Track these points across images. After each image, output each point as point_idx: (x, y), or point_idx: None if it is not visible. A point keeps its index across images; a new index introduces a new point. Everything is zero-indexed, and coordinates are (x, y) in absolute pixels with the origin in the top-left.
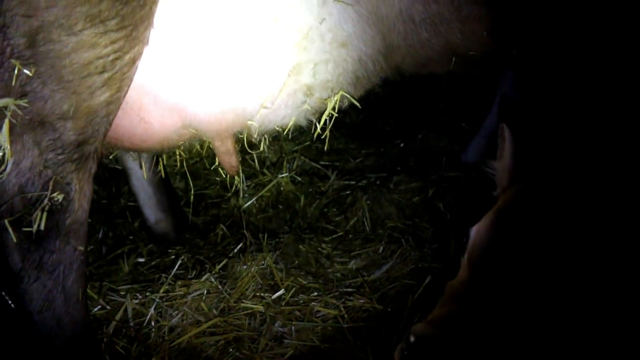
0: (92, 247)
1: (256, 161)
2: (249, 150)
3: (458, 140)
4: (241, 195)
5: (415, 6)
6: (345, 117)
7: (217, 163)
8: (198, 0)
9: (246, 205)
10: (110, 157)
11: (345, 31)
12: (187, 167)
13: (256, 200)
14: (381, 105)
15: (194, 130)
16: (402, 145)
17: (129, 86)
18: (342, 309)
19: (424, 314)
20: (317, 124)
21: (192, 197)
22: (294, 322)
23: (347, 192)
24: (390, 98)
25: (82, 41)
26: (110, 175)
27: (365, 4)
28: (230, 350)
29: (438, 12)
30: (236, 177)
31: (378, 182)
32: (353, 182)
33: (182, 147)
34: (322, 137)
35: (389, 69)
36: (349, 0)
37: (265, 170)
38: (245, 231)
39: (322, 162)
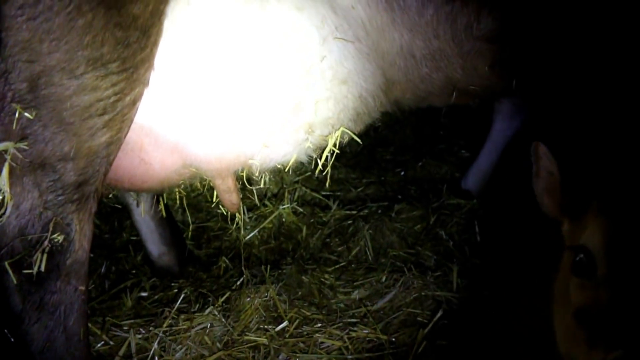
0: (94, 282)
1: (255, 193)
2: (249, 186)
3: (458, 167)
4: (243, 227)
5: (416, 42)
6: (346, 147)
7: (217, 200)
8: (198, 42)
9: (248, 237)
10: (110, 195)
11: (345, 68)
12: (189, 201)
13: (258, 232)
14: (381, 135)
15: (194, 170)
16: (402, 173)
17: (129, 127)
18: (346, 339)
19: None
20: (319, 160)
21: (189, 232)
22: (298, 354)
23: (349, 222)
24: (390, 127)
25: (83, 84)
26: (112, 210)
27: (365, 40)
28: None
29: (439, 48)
30: (237, 213)
31: (379, 211)
32: (354, 212)
33: (182, 184)
34: (324, 173)
35: (388, 104)
36: (350, 37)
37: (266, 202)
38: (247, 263)
39: (323, 192)
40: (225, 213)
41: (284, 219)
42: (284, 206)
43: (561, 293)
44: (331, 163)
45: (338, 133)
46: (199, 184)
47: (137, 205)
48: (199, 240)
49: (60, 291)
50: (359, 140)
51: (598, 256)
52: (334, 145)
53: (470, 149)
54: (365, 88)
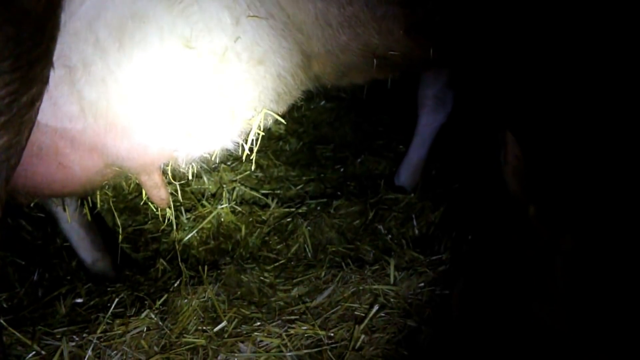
0: (26, 290)
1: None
2: (173, 181)
3: (396, 163)
4: (177, 226)
5: (331, 10)
6: (286, 145)
7: (147, 197)
8: (102, 34)
9: (186, 238)
10: (31, 205)
11: (261, 47)
12: (125, 203)
13: (197, 232)
14: (321, 132)
15: (117, 168)
16: (342, 170)
17: (30, 129)
18: (285, 337)
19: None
20: (245, 145)
21: (121, 235)
22: (236, 354)
23: (288, 220)
24: (330, 124)
25: None
26: (45, 215)
27: (279, 16)
28: None
29: (354, 14)
30: (168, 210)
31: (318, 208)
32: (293, 209)
33: (107, 186)
34: (251, 158)
35: (309, 81)
36: (263, 14)
37: (204, 202)
38: (185, 265)
39: (262, 191)
40: (155, 210)
41: (222, 219)
42: (223, 206)
43: None
44: (257, 147)
45: (261, 115)
46: (124, 184)
47: (64, 210)
48: (137, 243)
49: None
50: (282, 120)
51: None
52: (258, 128)
53: (407, 144)
54: (283, 66)
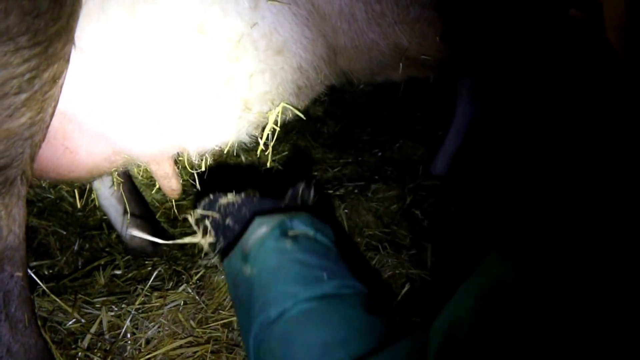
0: (67, 259)
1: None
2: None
3: (435, 148)
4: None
5: (357, 4)
6: (323, 127)
7: (157, 186)
8: (115, 14)
9: None
10: (43, 185)
11: (280, 36)
12: None
13: None
14: (359, 116)
15: (126, 156)
16: (380, 154)
17: (54, 107)
18: None
19: (403, 319)
20: (260, 140)
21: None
22: None
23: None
24: (368, 108)
25: None
26: (86, 187)
27: (303, 3)
28: None
29: (382, 12)
30: (173, 200)
31: (356, 191)
32: (331, 191)
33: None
34: (266, 153)
35: (334, 76)
36: None
37: None
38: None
39: None
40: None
41: None
42: None
43: None
44: (272, 142)
45: (279, 109)
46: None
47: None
48: (175, 218)
49: None
50: (302, 116)
51: None
52: (275, 123)
53: (446, 130)
54: (304, 58)
